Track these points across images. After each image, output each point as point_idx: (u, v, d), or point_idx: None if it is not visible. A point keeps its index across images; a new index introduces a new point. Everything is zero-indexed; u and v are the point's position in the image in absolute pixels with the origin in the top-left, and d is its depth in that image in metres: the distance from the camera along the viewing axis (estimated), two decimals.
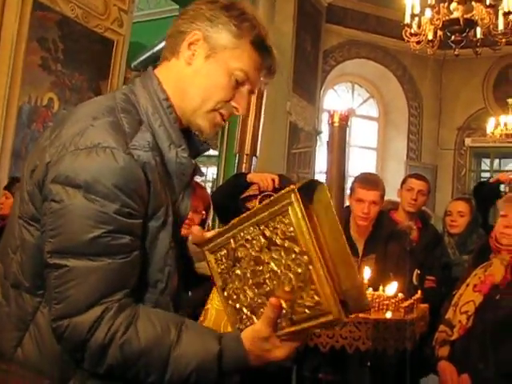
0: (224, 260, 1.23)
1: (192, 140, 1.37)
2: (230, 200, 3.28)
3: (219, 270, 1.24)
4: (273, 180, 3.20)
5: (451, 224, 3.98)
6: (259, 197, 3.19)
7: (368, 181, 3.12)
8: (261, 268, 1.15)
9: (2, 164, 4.09)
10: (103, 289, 1.12)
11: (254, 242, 1.16)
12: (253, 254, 1.16)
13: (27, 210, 1.23)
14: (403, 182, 4.04)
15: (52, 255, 1.13)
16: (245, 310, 1.20)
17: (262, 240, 1.14)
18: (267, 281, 1.14)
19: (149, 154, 1.19)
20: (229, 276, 1.22)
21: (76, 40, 4.73)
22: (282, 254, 1.10)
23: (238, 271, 1.20)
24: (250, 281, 1.17)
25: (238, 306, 1.21)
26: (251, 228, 1.16)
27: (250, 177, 3.31)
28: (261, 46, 1.32)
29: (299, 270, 1.07)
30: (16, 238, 1.25)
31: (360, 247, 3.09)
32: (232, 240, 1.21)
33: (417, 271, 3.14)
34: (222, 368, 1.16)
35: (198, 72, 1.30)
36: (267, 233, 1.13)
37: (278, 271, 1.11)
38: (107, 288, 1.12)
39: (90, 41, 4.82)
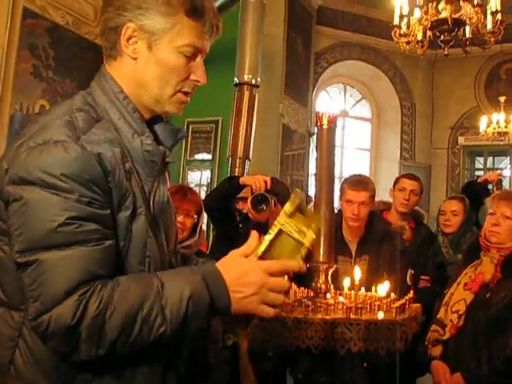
0: None
1: (166, 128, 1.36)
2: (224, 202, 3.30)
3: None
4: (265, 182, 3.22)
5: (445, 223, 3.99)
6: (250, 197, 3.21)
7: (357, 182, 3.14)
8: None
9: None
10: (77, 277, 1.10)
11: None
12: None
13: None
14: (395, 182, 4.05)
15: (21, 254, 1.12)
16: None
17: None
18: None
19: (104, 146, 1.18)
20: None
21: (67, 47, 4.74)
22: None
23: None
24: None
25: None
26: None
27: (243, 179, 3.35)
28: (196, 12, 1.28)
29: None
30: None
31: (353, 248, 3.10)
32: None
33: (410, 271, 3.15)
34: (210, 292, 1.17)
35: (147, 63, 1.28)
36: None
37: None
38: (81, 275, 1.10)
39: (81, 48, 4.84)
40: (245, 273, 1.21)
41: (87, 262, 1.11)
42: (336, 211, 3.15)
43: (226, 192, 3.34)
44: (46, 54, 4.58)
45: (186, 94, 1.33)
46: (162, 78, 1.29)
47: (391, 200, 4.10)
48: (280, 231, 1.29)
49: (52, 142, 1.14)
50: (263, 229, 3.19)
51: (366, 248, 3.08)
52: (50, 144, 1.13)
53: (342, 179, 7.63)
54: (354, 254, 3.08)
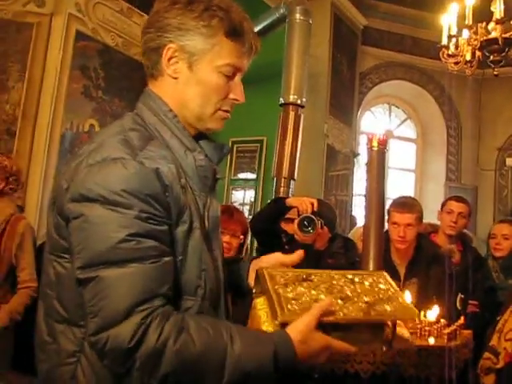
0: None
1: (212, 144, 1.38)
2: (270, 224, 3.29)
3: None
4: (312, 204, 3.21)
5: (495, 247, 3.90)
6: (297, 220, 3.20)
7: (402, 204, 3.11)
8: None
9: (46, 189, 4.19)
10: (137, 294, 1.11)
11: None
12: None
13: (55, 244, 1.24)
14: (443, 204, 3.99)
15: (82, 270, 1.14)
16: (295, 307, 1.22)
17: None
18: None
19: (160, 162, 1.20)
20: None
21: (116, 68, 4.85)
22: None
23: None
24: (322, 286, 1.26)
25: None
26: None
27: (289, 201, 3.34)
28: (236, 33, 1.31)
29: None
30: (50, 276, 1.26)
31: (402, 271, 3.05)
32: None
33: (460, 295, 3.08)
34: (277, 367, 1.15)
35: (187, 83, 1.31)
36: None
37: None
38: (141, 293, 1.11)
39: (130, 68, 4.94)
40: (313, 349, 1.20)
41: (146, 280, 1.13)
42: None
43: (272, 213, 3.33)
44: (97, 74, 4.70)
45: (225, 111, 1.36)
46: (203, 97, 1.32)
47: (438, 222, 4.04)
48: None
49: (110, 159, 1.16)
50: (309, 250, 3.18)
51: (415, 271, 3.03)
52: (108, 161, 1.16)
53: (387, 200, 7.56)
54: (402, 277, 3.03)
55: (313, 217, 3.16)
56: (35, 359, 1.30)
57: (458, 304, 3.07)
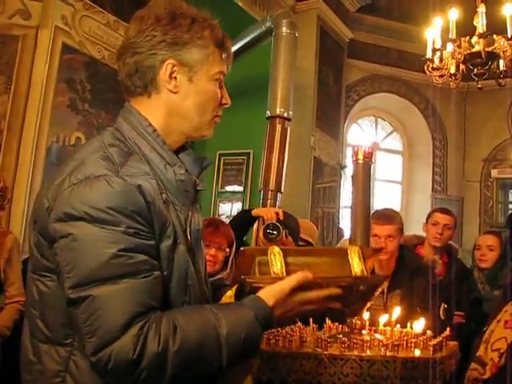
0: None
1: (192, 157, 1.39)
2: (239, 234, 3.34)
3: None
4: (276, 213, 3.29)
5: (481, 258, 3.93)
6: (262, 227, 3.27)
7: (382, 215, 3.15)
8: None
9: (32, 203, 4.15)
10: (132, 309, 1.11)
11: None
12: None
13: (37, 263, 1.24)
14: (428, 216, 4.02)
15: (73, 290, 1.13)
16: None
17: None
18: None
19: (141, 178, 1.21)
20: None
21: (102, 80, 4.84)
22: None
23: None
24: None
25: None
26: None
27: (255, 211, 3.46)
28: (221, 41, 1.37)
29: None
30: (34, 295, 1.25)
31: (385, 283, 3.06)
32: None
33: (444, 305, 3.09)
34: (262, 327, 1.21)
35: (188, 95, 1.33)
36: None
37: None
38: (136, 308, 1.11)
39: (117, 81, 4.88)
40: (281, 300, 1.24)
41: (140, 294, 1.13)
42: None
43: (239, 225, 3.38)
44: (83, 87, 4.68)
45: (218, 117, 1.40)
46: (202, 106, 1.35)
47: (424, 234, 4.06)
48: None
49: (93, 176, 1.16)
50: None
51: (398, 283, 3.04)
52: (91, 179, 1.16)
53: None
54: (386, 289, 3.04)
55: (277, 224, 3.24)
56: (21, 380, 1.29)
57: (441, 314, 3.09)
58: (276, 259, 1.25)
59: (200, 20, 1.34)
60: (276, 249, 1.25)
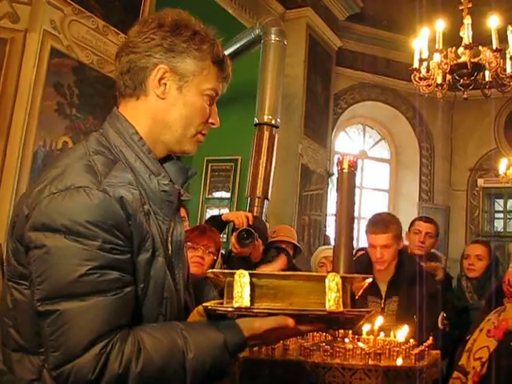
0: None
1: (177, 167, 1.38)
2: None
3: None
4: (247, 217, 3.30)
5: (469, 268, 3.94)
6: (235, 233, 3.28)
7: (377, 224, 3.07)
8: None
9: None
10: (98, 328, 1.09)
11: None
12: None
13: (13, 270, 1.22)
14: (411, 224, 4.04)
15: (42, 302, 1.11)
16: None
17: None
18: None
19: (124, 189, 1.19)
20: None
21: (91, 85, 4.82)
22: None
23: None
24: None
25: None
26: None
27: (226, 216, 3.48)
28: (219, 60, 1.36)
29: None
30: (7, 303, 1.23)
31: (383, 289, 3.03)
32: None
33: (442, 314, 3.06)
34: (230, 353, 1.20)
35: (175, 104, 1.32)
36: None
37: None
38: (102, 326, 1.10)
39: (105, 86, 4.92)
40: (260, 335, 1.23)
41: (108, 313, 1.11)
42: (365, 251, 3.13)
43: None
44: (71, 91, 4.66)
45: (203, 135, 1.38)
46: (188, 118, 1.33)
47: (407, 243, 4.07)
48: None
49: (74, 187, 1.14)
50: (247, 263, 3.28)
51: (396, 289, 3.00)
52: (72, 190, 1.14)
53: (361, 220, 7.61)
54: (383, 295, 3.02)
55: (251, 229, 3.26)
56: None
57: (439, 323, 3.05)
58: (242, 284, 1.18)
59: (202, 34, 1.33)
60: (243, 273, 1.19)
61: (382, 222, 3.11)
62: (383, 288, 3.03)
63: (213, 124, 1.39)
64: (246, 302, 1.18)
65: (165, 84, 1.31)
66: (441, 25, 4.56)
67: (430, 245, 3.95)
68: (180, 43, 1.30)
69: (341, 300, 1.17)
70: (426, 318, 2.75)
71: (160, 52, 1.30)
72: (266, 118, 5.52)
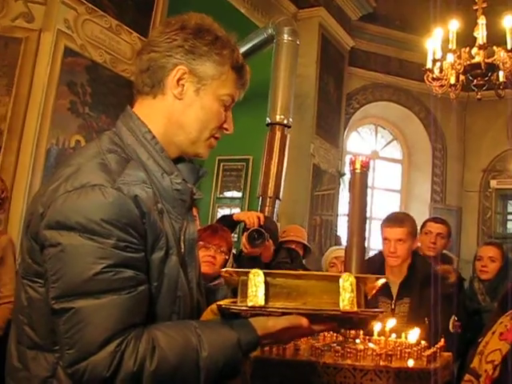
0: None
1: (188, 166, 1.39)
2: None
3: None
4: (258, 218, 3.30)
5: (482, 269, 3.91)
6: (246, 233, 3.28)
7: (392, 219, 3.10)
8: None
9: None
10: (112, 326, 1.10)
11: None
12: None
13: (28, 268, 1.23)
14: (422, 225, 4.02)
15: (57, 300, 1.12)
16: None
17: None
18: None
19: (139, 187, 1.20)
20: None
21: (103, 84, 4.85)
22: None
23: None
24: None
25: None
26: None
27: (237, 216, 3.47)
28: (238, 67, 1.37)
29: None
30: (22, 300, 1.24)
31: (394, 290, 3.01)
32: None
33: (453, 317, 3.04)
34: (243, 352, 1.20)
35: (191, 106, 1.33)
36: None
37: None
38: (116, 325, 1.10)
39: (117, 85, 4.94)
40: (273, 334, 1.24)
41: (122, 311, 1.12)
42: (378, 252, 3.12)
43: None
44: (84, 90, 4.69)
45: (216, 139, 1.39)
46: (203, 122, 1.34)
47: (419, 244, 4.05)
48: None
49: (89, 185, 1.15)
50: (257, 263, 3.28)
51: (408, 291, 2.98)
52: (87, 188, 1.15)
53: (372, 221, 7.58)
54: (394, 296, 3.00)
55: (262, 230, 3.26)
56: None
57: (450, 327, 3.03)
58: (256, 283, 1.19)
59: (224, 39, 1.35)
60: (258, 272, 1.19)
61: (398, 218, 3.16)
62: (394, 289, 3.02)
63: (226, 130, 1.40)
64: (261, 301, 1.18)
65: (183, 85, 1.32)
66: (455, 25, 4.55)
67: (442, 246, 3.93)
68: (201, 46, 1.31)
69: (355, 300, 1.18)
70: (438, 321, 2.74)
71: (181, 53, 1.31)
72: (278, 118, 5.52)
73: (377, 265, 3.05)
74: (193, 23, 1.33)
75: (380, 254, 3.13)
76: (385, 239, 3.04)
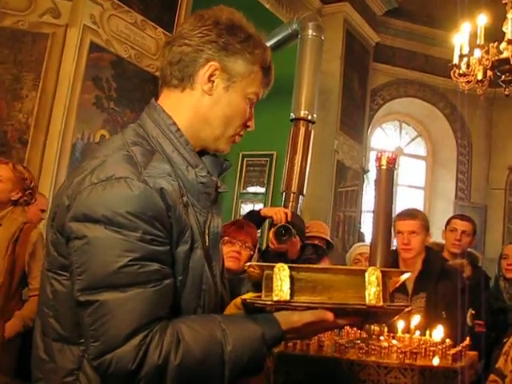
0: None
1: (212, 160, 1.38)
2: None
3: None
4: (285, 214, 3.29)
5: (507, 268, 3.86)
6: (273, 229, 3.27)
7: (405, 212, 3.14)
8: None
9: None
10: (138, 319, 1.10)
11: None
12: None
13: (53, 261, 1.23)
14: (447, 223, 3.99)
15: (82, 293, 1.12)
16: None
17: None
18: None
19: (164, 180, 1.19)
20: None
21: (128, 79, 4.88)
22: None
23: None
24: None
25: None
26: None
27: (264, 211, 3.47)
28: (266, 67, 1.37)
29: None
30: (47, 293, 1.25)
31: (410, 286, 3.00)
32: None
33: (471, 311, 3.03)
34: (267, 347, 1.20)
35: (219, 102, 1.33)
36: None
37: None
38: (142, 318, 1.10)
39: (142, 80, 4.97)
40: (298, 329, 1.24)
41: (147, 305, 1.12)
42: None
43: None
44: (109, 85, 4.73)
45: (239, 136, 1.39)
46: (229, 118, 1.34)
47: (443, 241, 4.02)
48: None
49: (115, 178, 1.14)
50: (284, 260, 3.26)
51: (423, 285, 2.97)
52: (113, 180, 1.14)
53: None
54: (410, 291, 2.99)
55: (289, 226, 3.25)
56: (32, 377, 1.29)
57: (468, 320, 3.02)
58: (281, 277, 1.17)
59: (256, 38, 1.35)
60: (283, 266, 1.18)
61: (410, 211, 3.21)
62: (410, 284, 3.00)
63: (249, 127, 1.40)
64: (286, 296, 1.17)
65: (213, 81, 1.31)
66: (483, 19, 4.47)
67: (467, 243, 3.88)
68: (235, 44, 1.31)
69: (381, 294, 1.17)
70: (454, 315, 2.74)
71: (213, 49, 1.30)
72: (302, 114, 5.50)
73: (390, 262, 3.03)
74: (225, 18, 1.33)
75: (394, 251, 3.12)
76: (398, 232, 3.06)
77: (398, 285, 1.32)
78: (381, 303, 1.16)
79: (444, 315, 2.74)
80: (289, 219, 3.33)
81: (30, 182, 3.20)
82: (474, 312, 3.08)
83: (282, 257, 3.22)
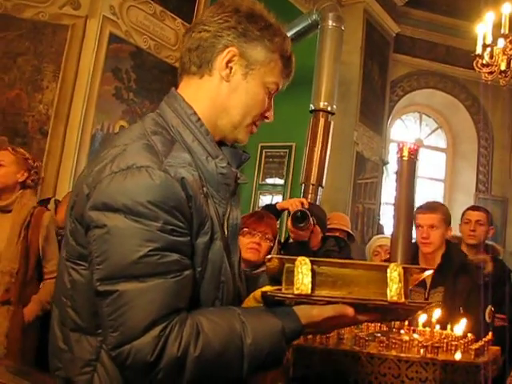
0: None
1: (231, 150, 1.36)
2: None
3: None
4: (301, 202, 3.26)
5: None
6: (290, 216, 3.23)
7: (426, 205, 3.08)
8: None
9: None
10: (157, 310, 1.08)
11: None
12: None
13: (72, 250, 1.22)
14: (462, 215, 3.96)
15: (101, 282, 1.10)
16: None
17: None
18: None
19: (185, 170, 1.17)
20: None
21: (148, 70, 4.89)
22: None
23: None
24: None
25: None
26: None
27: (280, 204, 3.45)
28: (286, 57, 1.35)
29: None
30: (65, 283, 1.24)
31: (428, 279, 2.97)
32: None
33: (490, 307, 2.99)
34: (287, 341, 1.19)
35: (237, 90, 1.31)
36: None
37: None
38: (161, 309, 1.09)
39: (161, 71, 4.98)
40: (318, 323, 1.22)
41: (167, 295, 1.10)
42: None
43: None
44: (128, 76, 4.74)
45: (256, 126, 1.37)
46: (247, 107, 1.32)
47: None
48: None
49: (135, 167, 1.12)
50: (305, 249, 3.21)
51: (442, 280, 2.93)
52: (133, 169, 1.12)
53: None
54: (428, 285, 2.96)
55: (305, 210, 3.20)
56: (50, 366, 1.29)
57: (487, 317, 2.99)
58: (303, 270, 1.16)
59: (275, 27, 1.33)
60: (305, 260, 1.16)
61: (431, 205, 3.13)
62: (428, 278, 2.95)
63: (267, 118, 1.38)
64: (307, 289, 1.16)
65: (231, 67, 1.29)
66: (507, 8, 4.39)
67: (482, 233, 3.84)
68: (254, 30, 1.29)
69: (402, 291, 1.15)
70: (472, 310, 2.70)
71: (232, 35, 1.29)
72: (321, 105, 5.47)
73: (411, 255, 3.00)
74: (245, 6, 1.31)
75: (414, 244, 3.08)
76: (418, 226, 3.00)
77: (417, 282, 1.30)
78: (402, 300, 1.14)
79: (461, 311, 2.70)
80: (306, 206, 3.30)
81: (33, 161, 3.19)
82: (493, 309, 3.04)
83: (303, 248, 3.19)
